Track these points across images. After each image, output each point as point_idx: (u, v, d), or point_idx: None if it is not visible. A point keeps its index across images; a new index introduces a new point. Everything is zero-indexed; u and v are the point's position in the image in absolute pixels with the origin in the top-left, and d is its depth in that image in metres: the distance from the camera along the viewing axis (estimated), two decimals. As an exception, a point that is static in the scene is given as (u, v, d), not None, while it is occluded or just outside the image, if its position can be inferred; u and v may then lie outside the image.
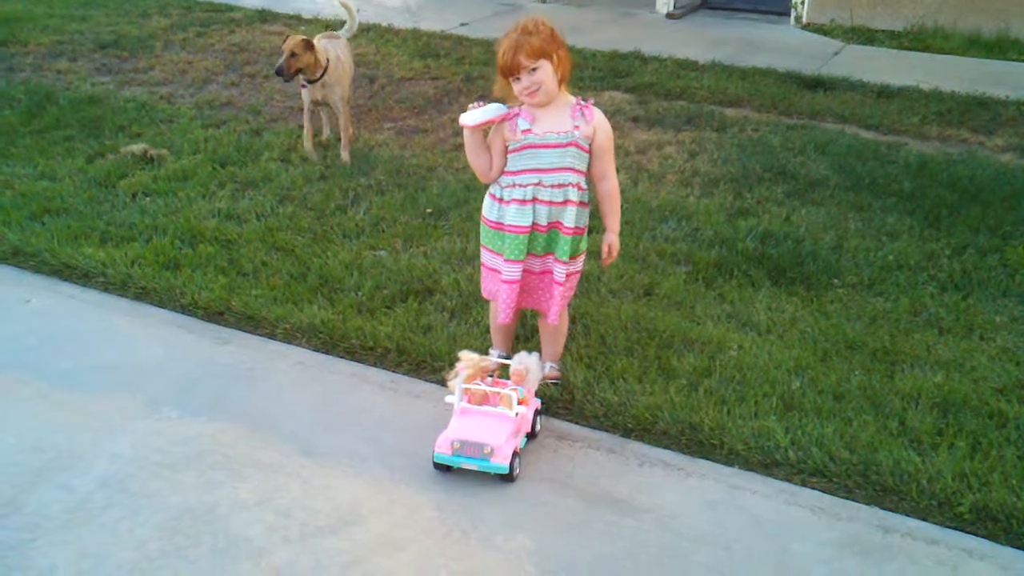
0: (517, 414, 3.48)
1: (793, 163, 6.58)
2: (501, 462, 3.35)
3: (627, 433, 3.74)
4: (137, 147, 6.61)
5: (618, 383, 3.95)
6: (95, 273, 4.88)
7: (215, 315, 4.56)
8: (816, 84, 8.51)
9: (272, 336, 4.41)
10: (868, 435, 3.66)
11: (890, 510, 3.36)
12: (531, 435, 3.65)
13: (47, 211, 5.61)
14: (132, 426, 3.71)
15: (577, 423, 3.82)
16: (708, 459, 3.61)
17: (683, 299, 4.74)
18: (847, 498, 3.41)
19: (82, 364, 4.15)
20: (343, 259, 5.03)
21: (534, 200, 3.64)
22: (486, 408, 3.53)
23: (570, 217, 3.68)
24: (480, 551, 3.08)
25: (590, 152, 3.70)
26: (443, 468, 3.44)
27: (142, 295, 4.74)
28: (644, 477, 3.51)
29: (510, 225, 3.68)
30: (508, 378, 3.67)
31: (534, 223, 3.66)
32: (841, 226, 5.61)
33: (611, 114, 7.61)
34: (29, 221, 5.46)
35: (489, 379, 3.64)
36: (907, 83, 8.50)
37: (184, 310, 4.61)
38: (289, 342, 4.36)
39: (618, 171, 6.28)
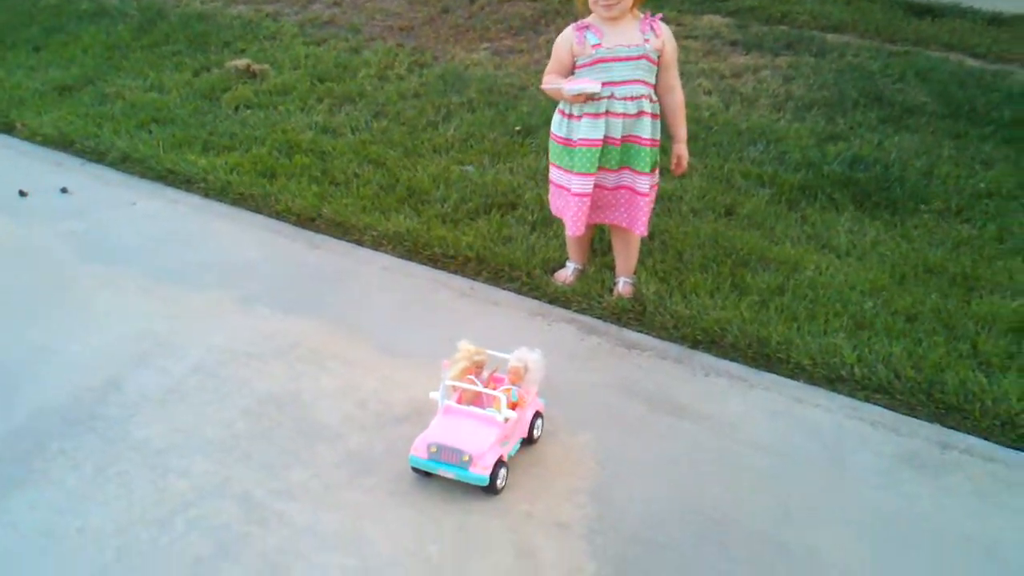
0: (506, 419, 3.08)
1: (891, 89, 6.46)
2: (480, 472, 2.96)
3: (695, 345, 3.83)
4: (240, 62, 6.85)
5: (690, 297, 4.03)
6: (197, 179, 5.14)
7: (307, 221, 4.77)
8: (924, 11, 8.25)
9: (360, 242, 4.60)
10: (937, 356, 3.68)
11: (952, 428, 3.39)
12: (529, 440, 3.24)
13: (155, 120, 5.90)
14: (226, 320, 3.95)
15: (647, 334, 3.91)
16: (773, 373, 3.68)
17: (764, 220, 4.77)
18: (909, 415, 3.45)
19: (183, 262, 4.41)
20: (431, 172, 5.18)
21: (607, 113, 3.70)
22: (473, 409, 3.13)
23: (647, 129, 3.75)
24: (543, 445, 3.23)
25: (658, 65, 3.75)
26: (420, 472, 3.07)
27: (240, 201, 4.98)
28: (709, 386, 3.61)
29: (581, 139, 3.75)
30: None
31: (606, 136, 3.73)
32: (934, 153, 5.52)
33: (709, 38, 7.58)
34: (137, 129, 5.76)
35: (486, 374, 3.28)
36: (1022, 10, 8.18)
37: (278, 216, 4.84)
38: (376, 248, 4.55)
39: (710, 94, 6.36)
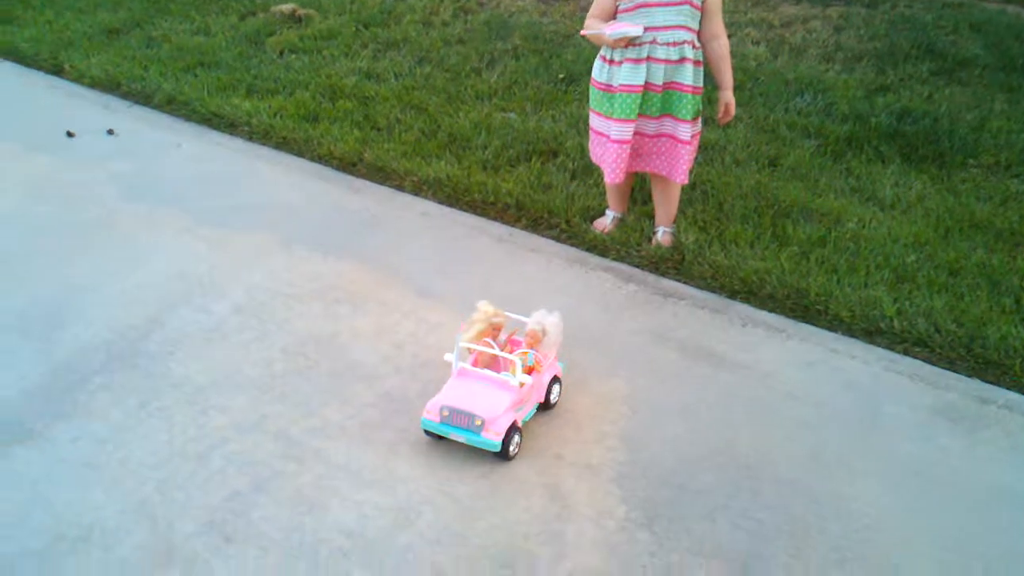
0: (521, 384, 2.99)
1: (944, 41, 6.32)
2: (492, 438, 2.88)
3: (733, 295, 3.82)
4: (286, 7, 6.86)
5: (729, 247, 4.01)
6: (241, 122, 5.18)
7: (349, 166, 4.80)
8: (982, -39, 8.06)
9: (400, 188, 4.62)
10: (979, 310, 3.63)
11: (991, 383, 3.36)
12: (545, 405, 3.16)
13: (200, 64, 5.94)
14: (267, 261, 3.99)
15: (685, 283, 3.90)
16: (811, 324, 3.66)
17: (808, 171, 4.72)
18: (948, 369, 3.42)
19: (225, 204, 4.46)
20: (473, 119, 5.18)
21: (648, 59, 3.66)
22: (487, 373, 3.04)
23: (688, 76, 3.70)
24: (575, 390, 3.24)
25: (702, 11, 3.69)
26: (433, 436, 3.02)
27: (283, 144, 5.02)
28: (745, 336, 3.59)
29: (621, 85, 3.71)
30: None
31: (647, 82, 3.69)
32: (985, 107, 5.42)
33: (759, -13, 7.44)
34: (183, 72, 5.81)
35: (503, 337, 3.21)
36: (1083, -39, 7.95)
37: (320, 160, 4.87)
38: (416, 194, 4.57)
39: (758, 44, 6.27)
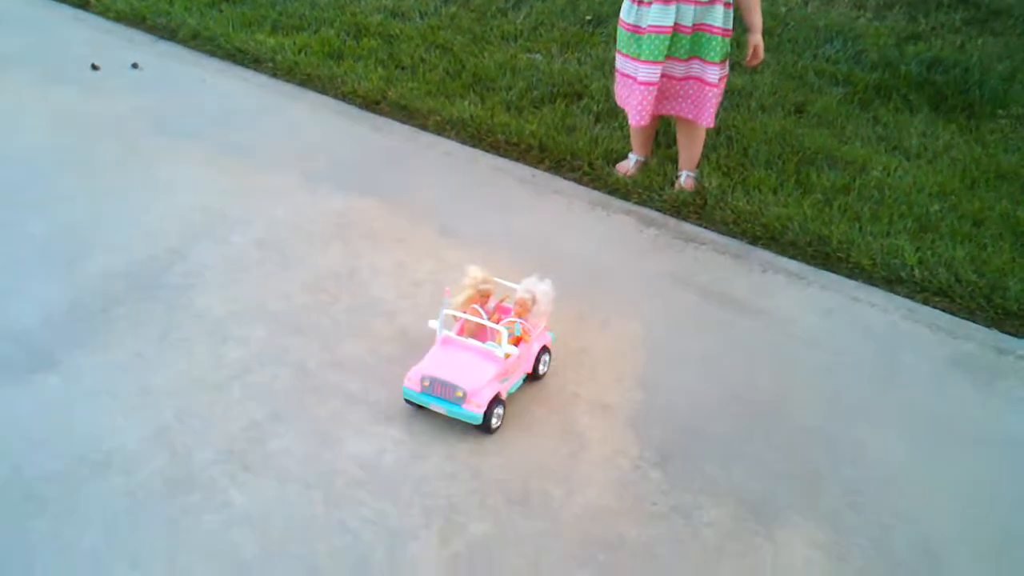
0: (507, 355, 2.87)
1: (979, -11, 6.22)
2: (474, 410, 2.76)
3: (754, 241, 3.80)
4: (313, -57, 6.78)
5: (752, 193, 3.98)
6: (265, 59, 5.16)
7: (372, 104, 4.78)
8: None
9: (423, 127, 4.60)
10: (1001, 261, 3.61)
11: (1010, 334, 3.35)
12: (533, 376, 3.03)
13: (225, -1, 5.91)
14: (289, 197, 4.00)
15: (706, 228, 3.89)
16: (832, 271, 3.65)
17: (835, 119, 4.67)
18: (967, 319, 3.41)
19: (249, 139, 4.46)
20: (498, 60, 5.14)
21: (678, -1, 3.63)
22: (472, 342, 2.92)
23: (718, 17, 3.65)
24: (593, 332, 3.26)
25: None
26: (414, 406, 2.90)
27: (307, 81, 5.00)
28: (765, 282, 3.59)
29: (650, 26, 3.66)
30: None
31: (676, 23, 3.65)
32: (1018, 57, 5.34)
33: (791, -69, 7.30)
34: (208, 8, 5.78)
35: (492, 303, 3.08)
36: None
37: (344, 98, 4.85)
38: (439, 133, 4.55)
39: (789, -11, 6.16)
